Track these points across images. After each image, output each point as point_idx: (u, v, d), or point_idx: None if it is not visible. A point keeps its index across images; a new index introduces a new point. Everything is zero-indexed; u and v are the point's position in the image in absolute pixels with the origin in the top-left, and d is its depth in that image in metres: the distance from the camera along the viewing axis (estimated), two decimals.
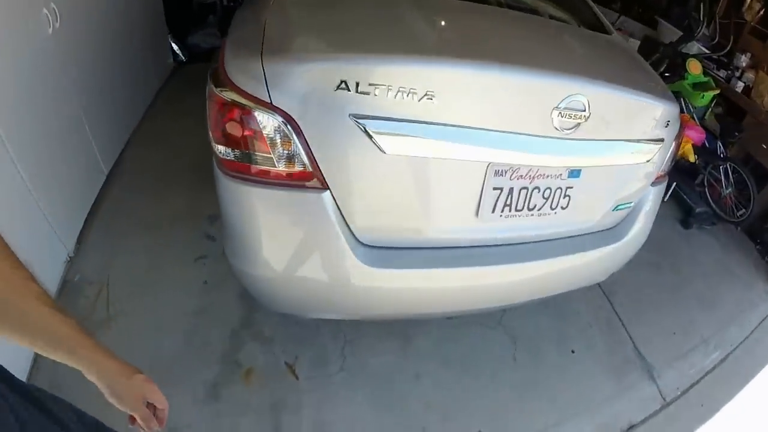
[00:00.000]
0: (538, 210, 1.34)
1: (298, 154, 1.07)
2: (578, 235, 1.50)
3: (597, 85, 1.19)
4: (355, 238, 1.20)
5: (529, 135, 1.17)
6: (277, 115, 1.03)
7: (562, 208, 1.37)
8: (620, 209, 1.52)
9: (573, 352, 1.90)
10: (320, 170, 1.09)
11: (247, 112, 1.03)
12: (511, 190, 1.26)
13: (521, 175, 1.24)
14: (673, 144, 1.51)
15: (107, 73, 2.14)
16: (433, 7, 1.40)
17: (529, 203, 1.31)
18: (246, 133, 1.06)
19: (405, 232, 1.25)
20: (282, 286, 1.25)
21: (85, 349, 0.68)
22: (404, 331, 1.81)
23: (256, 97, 1.02)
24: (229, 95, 1.04)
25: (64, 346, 0.66)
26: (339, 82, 0.99)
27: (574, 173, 1.33)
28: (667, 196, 2.86)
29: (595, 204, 1.47)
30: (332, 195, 1.12)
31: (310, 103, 1.02)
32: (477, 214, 1.25)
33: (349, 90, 1.00)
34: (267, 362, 1.63)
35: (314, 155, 1.07)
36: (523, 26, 1.50)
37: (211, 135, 1.12)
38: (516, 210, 1.30)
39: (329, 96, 1.01)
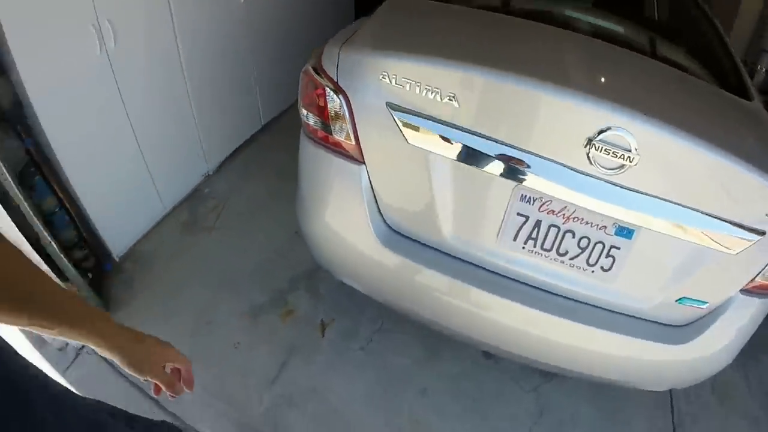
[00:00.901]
0: (571, 259, 1.22)
1: (348, 128, 1.26)
2: (624, 314, 1.30)
3: (648, 123, 1.02)
4: (381, 216, 1.32)
5: (562, 165, 1.09)
6: (339, 94, 1.23)
7: (603, 269, 1.22)
8: (687, 304, 1.27)
9: None
10: (360, 145, 1.26)
11: (322, 87, 1.26)
12: (538, 222, 1.19)
13: (552, 210, 1.16)
14: None
15: (284, 46, 2.64)
16: (524, 31, 1.38)
17: (559, 246, 1.21)
18: (320, 103, 1.29)
19: (423, 227, 1.30)
20: (319, 239, 1.44)
21: (93, 319, 0.65)
22: (436, 346, 1.82)
23: (330, 77, 1.24)
24: (316, 73, 1.29)
25: (72, 317, 0.62)
26: (381, 73, 1.14)
27: (624, 232, 1.17)
28: None
29: (650, 281, 1.26)
30: (367, 170, 1.28)
31: (362, 88, 1.20)
32: (497, 235, 1.23)
33: (388, 81, 1.14)
34: (307, 312, 1.88)
35: (358, 131, 1.24)
36: (617, 61, 1.34)
37: (300, 101, 1.40)
38: (542, 248, 1.22)
39: (375, 84, 1.17)
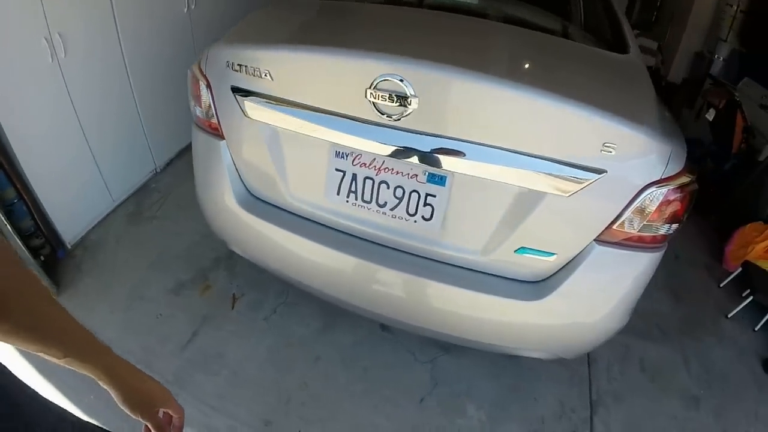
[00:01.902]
0: (391, 210, 1.32)
1: (213, 112, 1.51)
2: (466, 268, 1.34)
3: (422, 67, 1.12)
4: (242, 182, 1.53)
5: (357, 119, 1.21)
6: (208, 85, 1.47)
7: (425, 219, 1.30)
8: (529, 255, 1.27)
9: None
10: (220, 124, 1.50)
11: (198, 81, 1.51)
12: (354, 176, 1.32)
13: (364, 163, 1.29)
14: (655, 192, 1.15)
15: None
16: (358, 14, 1.57)
17: (377, 198, 1.32)
18: (198, 94, 1.54)
19: (269, 189, 1.49)
20: (205, 208, 1.69)
21: (101, 354, 0.69)
22: (334, 318, 1.99)
23: (202, 72, 1.49)
24: (196, 69, 1.54)
25: (82, 350, 0.66)
26: (226, 62, 1.37)
27: (436, 179, 1.24)
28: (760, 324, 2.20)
29: (478, 229, 1.28)
30: (227, 145, 1.52)
31: (218, 77, 1.43)
32: (324, 192, 1.38)
33: (230, 68, 1.36)
34: (222, 288, 2.12)
35: (218, 113, 1.49)
36: (432, 24, 1.45)
37: (189, 95, 1.66)
38: (363, 201, 1.34)
39: (223, 72, 1.40)
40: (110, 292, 2.09)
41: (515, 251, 1.28)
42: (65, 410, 0.80)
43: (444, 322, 1.45)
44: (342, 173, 1.35)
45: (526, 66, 1.30)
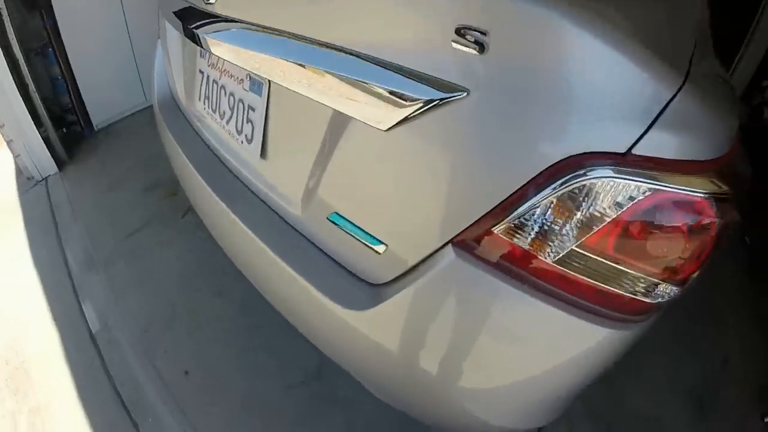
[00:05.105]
0: (227, 123, 1.07)
1: None
2: (293, 228, 0.98)
3: None
4: (168, 85, 1.55)
5: (196, 7, 1.06)
6: None
7: (247, 139, 1.00)
8: (345, 229, 0.84)
9: None
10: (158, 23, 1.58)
11: None
12: (208, 78, 1.13)
13: (213, 63, 1.09)
14: (611, 180, 0.57)
15: None
16: None
17: (219, 105, 1.09)
18: None
19: (174, 93, 1.47)
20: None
21: None
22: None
23: None
24: None
25: None
26: None
27: (255, 86, 0.95)
28: None
29: (294, 168, 0.92)
30: (161, 44, 1.58)
31: None
32: (195, 98, 1.24)
33: None
34: (183, 199, 2.02)
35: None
36: None
37: None
38: (211, 109, 1.13)
39: None
40: (103, 174, 2.43)
41: (328, 216, 0.86)
42: None
43: (263, 283, 1.16)
44: (202, 74, 1.19)
45: None
